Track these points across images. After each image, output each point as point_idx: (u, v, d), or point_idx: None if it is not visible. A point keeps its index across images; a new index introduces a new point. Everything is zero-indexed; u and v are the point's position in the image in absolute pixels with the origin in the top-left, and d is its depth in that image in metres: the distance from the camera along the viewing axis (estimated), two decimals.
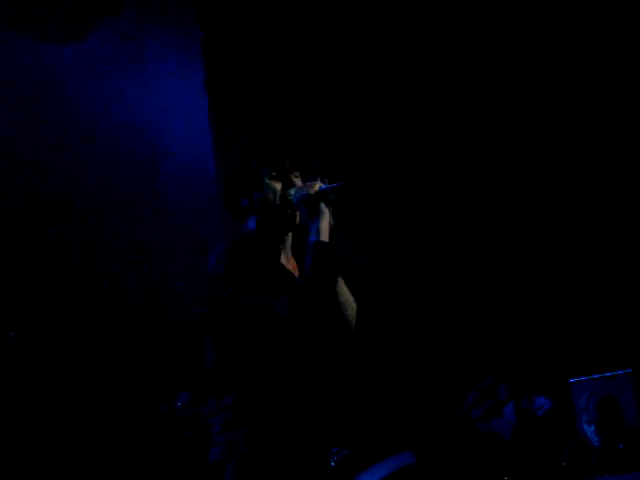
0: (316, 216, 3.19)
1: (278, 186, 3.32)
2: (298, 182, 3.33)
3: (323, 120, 6.78)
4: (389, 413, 6.23)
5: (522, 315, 6.53)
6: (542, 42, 6.61)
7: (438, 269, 6.75)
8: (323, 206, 3.21)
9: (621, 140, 6.45)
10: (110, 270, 6.22)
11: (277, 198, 3.31)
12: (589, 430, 5.74)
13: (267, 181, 3.33)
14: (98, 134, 6.53)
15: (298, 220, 3.31)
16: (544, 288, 6.53)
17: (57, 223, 6.16)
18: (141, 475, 5.44)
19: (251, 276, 3.13)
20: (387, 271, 6.72)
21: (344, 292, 3.32)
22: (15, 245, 5.92)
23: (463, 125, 6.90)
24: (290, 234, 3.40)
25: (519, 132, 6.77)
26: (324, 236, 3.17)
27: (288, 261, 3.39)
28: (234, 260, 3.16)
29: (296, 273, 3.35)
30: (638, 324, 6.17)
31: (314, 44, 6.79)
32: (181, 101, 6.81)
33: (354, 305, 3.35)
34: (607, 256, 6.39)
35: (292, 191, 3.29)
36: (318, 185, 3.21)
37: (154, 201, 6.61)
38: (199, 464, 5.27)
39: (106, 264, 6.22)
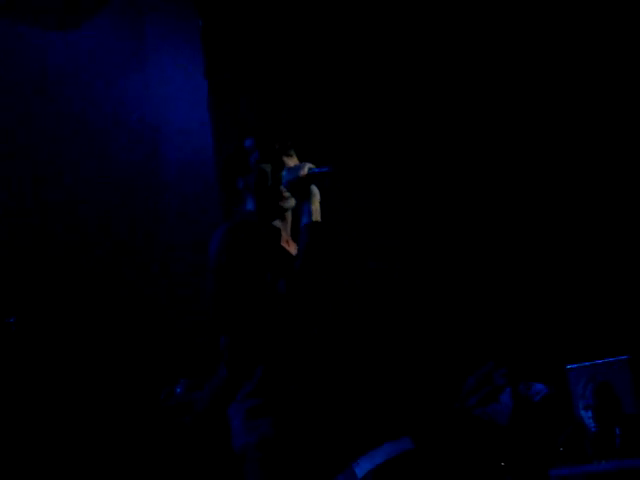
0: (307, 198, 3.19)
1: (268, 168, 3.30)
2: (290, 162, 3.31)
3: (322, 106, 6.78)
4: (388, 399, 6.26)
5: (519, 302, 6.55)
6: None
7: (437, 257, 6.77)
8: (314, 188, 3.21)
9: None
10: (110, 257, 6.23)
11: (269, 180, 3.29)
12: (586, 416, 5.77)
13: (257, 163, 3.32)
14: (97, 124, 6.53)
15: (294, 202, 3.32)
16: (541, 274, 6.54)
17: (56, 212, 6.17)
18: (141, 460, 5.47)
19: (253, 264, 3.12)
20: (387, 260, 6.74)
21: None
22: (15, 232, 5.93)
23: (460, 121, 6.90)
24: (290, 216, 3.38)
25: (517, 130, 6.77)
26: (316, 217, 3.18)
27: (289, 244, 3.38)
28: (235, 247, 3.14)
29: (295, 254, 3.34)
30: (635, 310, 6.19)
31: (313, 31, 6.78)
32: (181, 90, 6.81)
33: None
34: (603, 242, 6.41)
35: (283, 173, 3.28)
36: (307, 167, 3.20)
37: (155, 189, 6.62)
38: (198, 448, 5.30)
39: (106, 252, 6.23)
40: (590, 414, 5.72)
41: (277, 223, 3.36)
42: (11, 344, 5.22)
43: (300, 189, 3.20)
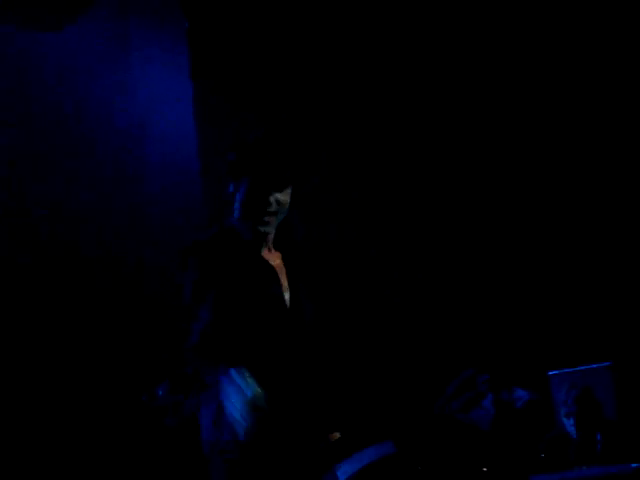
0: None
1: (255, 205, 3.31)
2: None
3: (312, 107, 6.78)
4: (369, 403, 6.26)
5: (501, 307, 6.56)
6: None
7: (422, 263, 6.78)
8: None
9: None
10: (96, 258, 6.22)
11: (251, 216, 3.30)
12: (568, 423, 5.78)
13: (252, 195, 3.32)
14: (82, 125, 6.51)
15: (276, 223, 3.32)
16: (523, 280, 6.55)
17: (43, 213, 6.14)
18: (126, 461, 5.46)
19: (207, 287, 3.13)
20: (374, 264, 6.75)
21: None
22: (8, 236, 5.91)
23: (460, 122, 6.90)
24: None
25: (516, 131, 6.77)
26: None
27: (270, 251, 3.36)
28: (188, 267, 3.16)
29: (277, 263, 3.33)
30: (617, 317, 6.21)
31: (301, 31, 6.77)
32: (167, 92, 6.80)
33: None
34: (586, 249, 6.43)
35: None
36: None
37: (140, 190, 6.60)
38: (182, 450, 5.29)
39: (92, 253, 6.21)
40: (572, 421, 5.73)
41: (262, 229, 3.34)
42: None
43: None
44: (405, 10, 6.75)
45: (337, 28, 6.75)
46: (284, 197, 3.28)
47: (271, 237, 3.36)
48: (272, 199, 3.26)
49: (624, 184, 6.29)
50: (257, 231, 3.29)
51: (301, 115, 6.62)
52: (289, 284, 3.30)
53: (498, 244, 6.65)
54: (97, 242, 6.22)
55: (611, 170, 6.35)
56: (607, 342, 6.12)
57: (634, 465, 5.29)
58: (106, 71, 6.68)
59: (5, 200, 6.00)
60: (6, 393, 5.42)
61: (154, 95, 6.77)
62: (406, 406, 6.13)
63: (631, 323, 6.14)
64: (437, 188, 6.78)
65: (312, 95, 6.76)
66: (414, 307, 6.64)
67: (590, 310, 6.28)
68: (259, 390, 2.91)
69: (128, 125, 6.65)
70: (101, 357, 5.92)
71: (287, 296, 3.30)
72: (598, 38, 6.36)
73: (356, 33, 6.79)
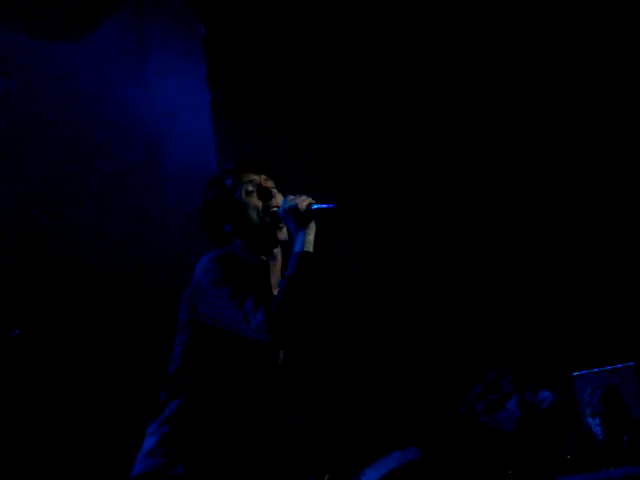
0: (302, 228, 3.10)
1: (258, 202, 3.22)
2: (278, 195, 3.24)
3: (327, 113, 6.78)
4: (394, 408, 6.24)
5: (526, 308, 6.54)
6: (542, 42, 6.60)
7: (442, 263, 6.77)
8: (312, 222, 3.13)
9: (621, 140, 6.44)
10: (112, 269, 6.22)
11: (260, 213, 3.21)
12: (593, 423, 5.75)
13: (245, 199, 3.22)
14: (99, 133, 6.51)
15: (286, 236, 3.22)
16: (548, 281, 6.54)
17: (57, 222, 6.15)
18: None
19: (233, 291, 3.02)
20: (391, 265, 6.73)
21: None
22: (17, 243, 5.92)
23: (462, 125, 6.89)
24: (280, 257, 3.28)
25: (517, 132, 6.76)
26: (309, 247, 3.09)
27: (276, 283, 3.29)
28: (220, 270, 3.08)
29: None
30: None
31: (316, 38, 6.78)
32: (183, 100, 6.80)
33: None
34: (609, 249, 6.40)
35: (278, 203, 3.20)
36: (308, 201, 3.11)
37: (155, 200, 6.59)
38: None
39: (108, 264, 6.21)
40: (597, 421, 5.69)
41: (265, 262, 3.25)
42: (16, 357, 5.21)
43: (297, 219, 3.10)
44: (412, 20, 6.77)
45: (352, 35, 6.76)
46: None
47: (278, 271, 3.26)
48: (274, 223, 3.22)
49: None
50: (263, 260, 3.25)
51: (309, 119, 6.63)
52: None
53: (524, 245, 6.65)
54: (111, 252, 6.22)
55: (626, 172, 6.34)
56: (631, 342, 6.10)
57: None
58: (123, 80, 6.68)
59: (18, 212, 6.01)
60: (21, 408, 5.44)
61: (172, 103, 6.77)
62: (430, 410, 6.12)
63: None
64: (449, 188, 6.78)
65: (322, 100, 6.77)
66: (437, 310, 6.63)
67: (613, 311, 6.26)
68: None
69: (146, 133, 6.65)
70: (117, 368, 5.93)
71: None
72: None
73: (364, 41, 6.80)
